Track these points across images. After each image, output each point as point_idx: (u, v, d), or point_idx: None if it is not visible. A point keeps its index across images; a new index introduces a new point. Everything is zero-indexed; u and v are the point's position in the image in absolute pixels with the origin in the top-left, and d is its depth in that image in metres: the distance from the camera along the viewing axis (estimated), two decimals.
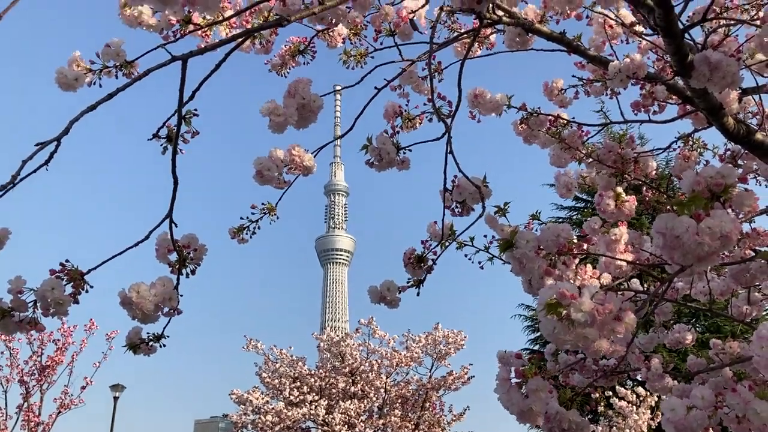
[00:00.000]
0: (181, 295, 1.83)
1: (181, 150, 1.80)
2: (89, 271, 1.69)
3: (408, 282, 2.46)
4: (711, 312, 3.20)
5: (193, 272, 1.90)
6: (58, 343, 13.81)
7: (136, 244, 1.80)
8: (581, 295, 1.56)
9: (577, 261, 2.55)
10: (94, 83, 1.89)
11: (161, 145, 1.80)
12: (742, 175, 1.92)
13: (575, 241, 2.33)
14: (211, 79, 1.86)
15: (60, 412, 13.65)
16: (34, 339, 13.64)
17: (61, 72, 1.78)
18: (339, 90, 2.55)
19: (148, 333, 1.89)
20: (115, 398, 21.48)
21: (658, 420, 12.89)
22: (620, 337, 1.67)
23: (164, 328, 1.91)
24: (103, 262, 1.73)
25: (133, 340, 1.86)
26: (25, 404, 13.33)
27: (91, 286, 1.69)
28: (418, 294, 2.46)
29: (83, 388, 13.99)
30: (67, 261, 1.67)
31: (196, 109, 1.78)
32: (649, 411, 12.85)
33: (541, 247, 2.16)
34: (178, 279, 1.87)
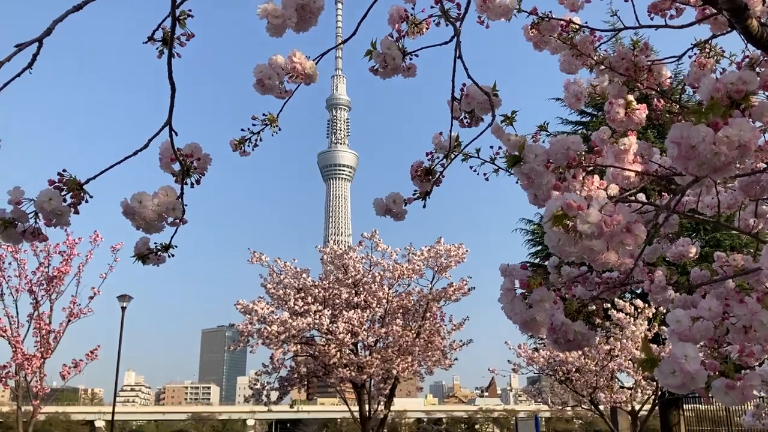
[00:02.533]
0: (186, 205, 1.79)
1: (177, 54, 1.72)
2: (88, 181, 1.65)
3: (414, 194, 2.42)
4: (717, 224, 3.17)
5: (197, 182, 1.85)
6: (64, 254, 14.02)
7: (136, 153, 1.74)
8: (589, 207, 1.51)
9: (584, 173, 2.50)
10: None
11: (157, 49, 1.71)
12: (761, 84, 1.84)
13: (585, 154, 2.27)
14: None
15: (70, 320, 14.01)
16: (40, 251, 13.85)
17: None
18: None
19: (155, 243, 1.87)
20: (123, 308, 22.07)
21: (655, 331, 13.20)
22: (629, 249, 1.64)
23: (171, 238, 1.88)
24: (102, 172, 1.68)
25: (141, 250, 1.84)
26: (36, 313, 13.67)
27: (91, 196, 1.65)
28: (424, 206, 2.41)
29: (91, 298, 14.31)
30: (64, 171, 1.63)
31: (190, 10, 1.69)
32: (646, 322, 13.14)
33: (551, 160, 2.10)
34: (182, 189, 1.83)
